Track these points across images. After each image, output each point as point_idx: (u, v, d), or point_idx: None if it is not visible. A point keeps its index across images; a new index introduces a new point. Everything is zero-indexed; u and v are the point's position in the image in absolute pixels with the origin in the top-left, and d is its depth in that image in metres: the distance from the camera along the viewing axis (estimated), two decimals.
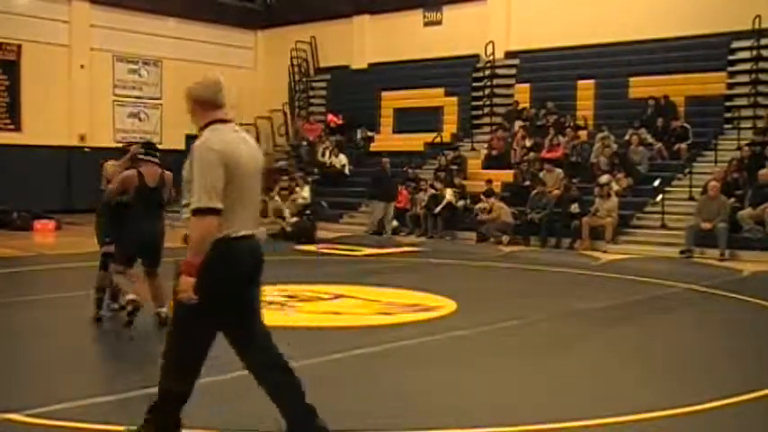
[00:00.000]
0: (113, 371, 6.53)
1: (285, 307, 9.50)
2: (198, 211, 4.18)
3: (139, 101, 26.04)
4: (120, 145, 10.16)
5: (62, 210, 22.39)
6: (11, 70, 22.92)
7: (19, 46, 23.04)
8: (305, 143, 24.95)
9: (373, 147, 24.12)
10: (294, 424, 4.50)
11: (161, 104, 26.36)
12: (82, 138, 24.22)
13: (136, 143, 8.77)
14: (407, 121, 24.08)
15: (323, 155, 23.64)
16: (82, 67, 24.38)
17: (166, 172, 8.32)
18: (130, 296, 7.87)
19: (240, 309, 4.48)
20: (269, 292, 10.27)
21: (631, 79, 20.63)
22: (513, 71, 23.40)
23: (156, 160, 8.27)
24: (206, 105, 4.47)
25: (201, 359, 4.48)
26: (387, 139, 24.18)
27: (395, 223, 19.26)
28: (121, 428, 4.69)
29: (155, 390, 4.53)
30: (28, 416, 5.01)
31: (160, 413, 4.46)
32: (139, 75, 26.09)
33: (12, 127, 23.15)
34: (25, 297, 10.12)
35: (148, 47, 25.76)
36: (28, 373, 6.19)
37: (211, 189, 4.18)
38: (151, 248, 8.10)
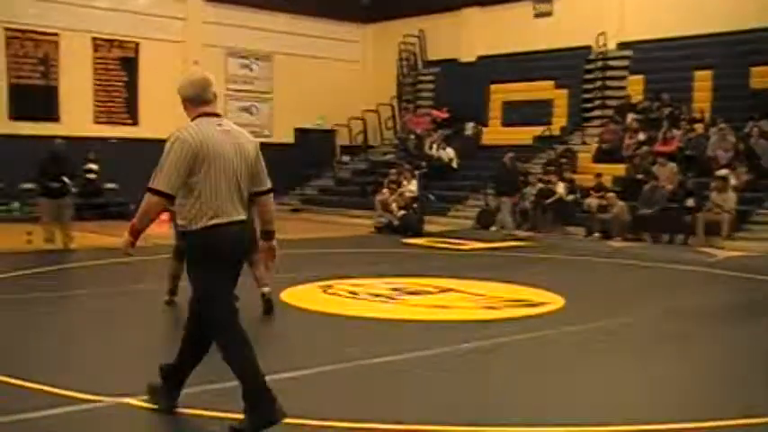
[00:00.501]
0: (208, 359, 6.70)
1: (392, 299, 9.56)
2: (150, 190, 4.65)
3: (251, 95, 26.58)
4: None
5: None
6: (129, 67, 23.75)
7: (137, 43, 23.86)
8: (412, 136, 25.00)
9: (483, 140, 24.00)
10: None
11: (271, 99, 26.84)
12: None
13: None
14: (516, 114, 23.85)
15: (430, 148, 23.65)
16: (195, 62, 24.96)
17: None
18: None
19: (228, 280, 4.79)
20: (375, 285, 10.39)
21: (752, 69, 19.86)
22: (626, 62, 22.85)
23: None
24: (193, 102, 4.85)
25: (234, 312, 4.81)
26: (495, 133, 24.02)
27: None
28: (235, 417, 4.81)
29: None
30: (142, 400, 5.20)
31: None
32: (250, 70, 26.61)
33: (130, 121, 24.00)
34: (139, 286, 10.49)
35: (259, 42, 26.24)
36: (142, 359, 6.42)
37: (168, 176, 4.58)
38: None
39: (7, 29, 21.59)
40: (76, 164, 14.06)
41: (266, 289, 8.40)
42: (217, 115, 4.83)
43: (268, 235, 5.03)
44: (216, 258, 4.66)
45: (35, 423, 4.93)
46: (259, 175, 4.88)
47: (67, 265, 12.54)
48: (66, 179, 14.07)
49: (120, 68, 23.73)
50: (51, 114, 22.17)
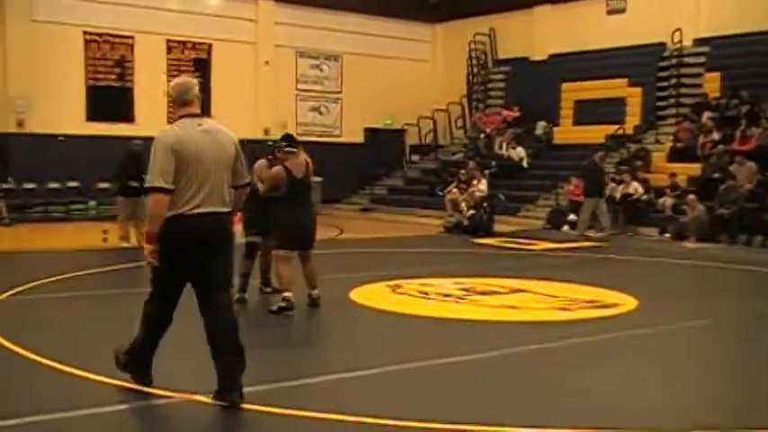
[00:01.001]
0: (275, 357, 6.74)
1: (461, 300, 9.52)
2: (149, 190, 5.06)
3: (320, 95, 26.77)
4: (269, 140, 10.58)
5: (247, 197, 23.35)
6: (203, 67, 24.12)
7: (209, 45, 24.25)
8: (482, 135, 24.88)
9: (554, 139, 23.79)
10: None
11: (341, 98, 27.00)
12: (266, 131, 25.16)
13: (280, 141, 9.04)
14: (588, 112, 23.51)
15: (500, 147, 23.51)
16: (267, 63, 25.32)
17: (308, 160, 8.64)
18: (287, 294, 8.32)
19: (198, 274, 5.19)
20: (445, 285, 10.36)
21: None
22: (702, 59, 22.35)
23: (298, 150, 8.58)
24: (177, 103, 5.33)
25: (169, 313, 5.36)
26: (567, 132, 23.75)
27: (572, 217, 18.87)
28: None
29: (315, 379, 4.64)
30: (212, 398, 5.24)
31: (134, 355, 5.42)
32: (320, 70, 26.80)
33: None
34: None
35: (329, 42, 26.41)
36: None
37: (159, 172, 5.03)
38: (307, 235, 8.58)
39: (85, 32, 22.16)
40: None
41: (315, 291, 8.64)
42: (198, 115, 5.30)
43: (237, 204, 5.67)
44: (185, 245, 5.12)
45: (108, 417, 5.04)
46: (238, 171, 5.41)
47: (142, 263, 12.75)
48: (144, 178, 14.36)
49: (194, 69, 24.10)
50: (126, 115, 22.66)
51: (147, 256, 5.13)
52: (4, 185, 19.80)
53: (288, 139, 8.73)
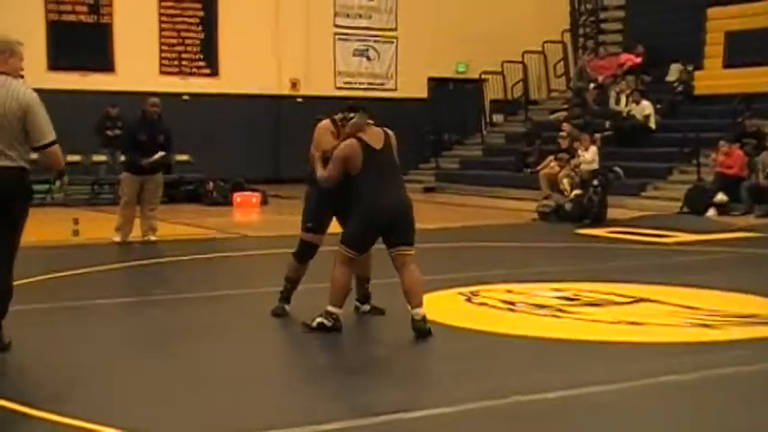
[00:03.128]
0: (313, 391, 6.76)
1: (562, 313, 9.48)
2: None
3: (367, 34, 26.76)
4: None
5: (268, 179, 23.50)
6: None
7: None
8: (592, 86, 24.74)
9: (695, 89, 23.57)
10: None
11: (395, 38, 26.98)
12: (294, 85, 25.29)
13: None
14: (746, 49, 23.17)
15: (618, 102, 23.35)
16: None
17: (388, 131, 8.52)
18: (332, 308, 8.32)
19: None
20: (539, 292, 10.31)
21: None
22: None
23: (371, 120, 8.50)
24: None
25: None
26: (714, 77, 23.61)
27: (723, 198, 18.67)
28: None
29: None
30: None
31: None
32: None
33: (207, 71, 24.58)
34: (224, 291, 10.71)
35: None
36: (236, 390, 6.55)
37: None
38: (400, 221, 8.41)
39: None
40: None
41: (419, 311, 8.29)
42: (4, 73, 7.39)
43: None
44: None
45: None
46: (32, 132, 7.38)
47: (143, 261, 12.92)
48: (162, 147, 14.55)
49: (195, 1, 24.22)
50: (103, 63, 22.91)
51: None
52: None
53: (358, 109, 8.52)
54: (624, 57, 25.16)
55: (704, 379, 7.13)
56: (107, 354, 7.74)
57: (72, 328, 8.81)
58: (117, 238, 14.31)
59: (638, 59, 24.82)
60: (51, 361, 7.61)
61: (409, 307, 8.32)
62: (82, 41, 22.71)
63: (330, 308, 8.34)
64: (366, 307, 9.26)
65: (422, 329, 8.21)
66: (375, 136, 8.41)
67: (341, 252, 8.42)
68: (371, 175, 8.30)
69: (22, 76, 7.55)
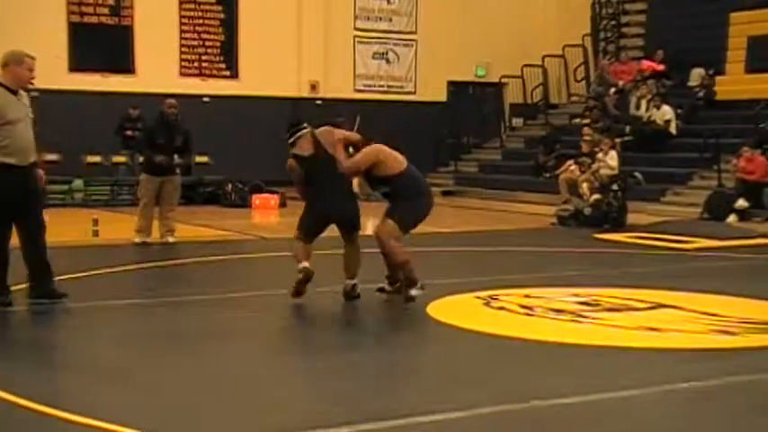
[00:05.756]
0: (325, 394, 6.75)
1: (581, 318, 9.46)
2: None
3: (388, 36, 26.76)
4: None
5: (287, 181, 23.46)
6: (226, 2, 24.28)
7: None
8: (613, 90, 24.69)
9: (717, 94, 23.45)
10: None
11: (415, 41, 26.97)
12: (313, 87, 25.30)
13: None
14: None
15: (638, 107, 23.30)
16: None
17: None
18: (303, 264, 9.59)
19: None
20: (557, 297, 10.29)
21: None
22: None
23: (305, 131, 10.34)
24: None
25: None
26: (736, 82, 23.49)
27: (744, 203, 18.60)
28: None
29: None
30: None
31: None
32: (388, 2, 26.81)
33: (227, 73, 24.61)
34: (242, 293, 10.72)
35: None
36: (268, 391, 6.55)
37: None
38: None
39: None
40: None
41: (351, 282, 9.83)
42: None
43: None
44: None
45: None
46: None
47: (159, 262, 12.94)
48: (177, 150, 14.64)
49: (216, 3, 24.27)
50: (123, 64, 22.97)
51: None
52: None
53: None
54: (645, 64, 25.08)
55: (724, 386, 7.10)
56: (125, 354, 7.78)
57: (91, 328, 8.86)
58: (137, 240, 14.37)
59: (660, 67, 24.76)
60: (70, 360, 7.65)
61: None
62: (103, 43, 22.82)
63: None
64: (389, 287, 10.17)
65: (352, 294, 9.83)
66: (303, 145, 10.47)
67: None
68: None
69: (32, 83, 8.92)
